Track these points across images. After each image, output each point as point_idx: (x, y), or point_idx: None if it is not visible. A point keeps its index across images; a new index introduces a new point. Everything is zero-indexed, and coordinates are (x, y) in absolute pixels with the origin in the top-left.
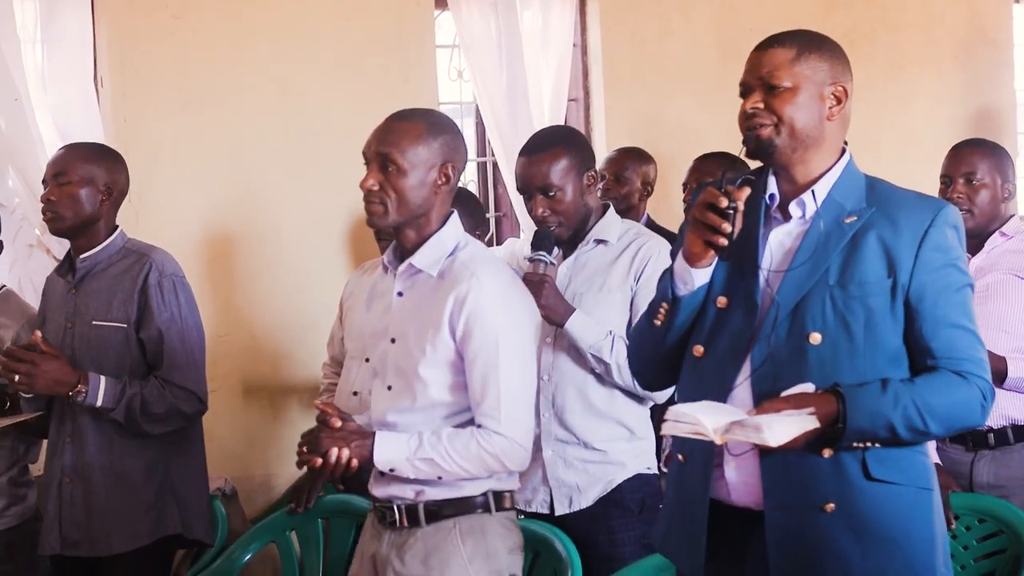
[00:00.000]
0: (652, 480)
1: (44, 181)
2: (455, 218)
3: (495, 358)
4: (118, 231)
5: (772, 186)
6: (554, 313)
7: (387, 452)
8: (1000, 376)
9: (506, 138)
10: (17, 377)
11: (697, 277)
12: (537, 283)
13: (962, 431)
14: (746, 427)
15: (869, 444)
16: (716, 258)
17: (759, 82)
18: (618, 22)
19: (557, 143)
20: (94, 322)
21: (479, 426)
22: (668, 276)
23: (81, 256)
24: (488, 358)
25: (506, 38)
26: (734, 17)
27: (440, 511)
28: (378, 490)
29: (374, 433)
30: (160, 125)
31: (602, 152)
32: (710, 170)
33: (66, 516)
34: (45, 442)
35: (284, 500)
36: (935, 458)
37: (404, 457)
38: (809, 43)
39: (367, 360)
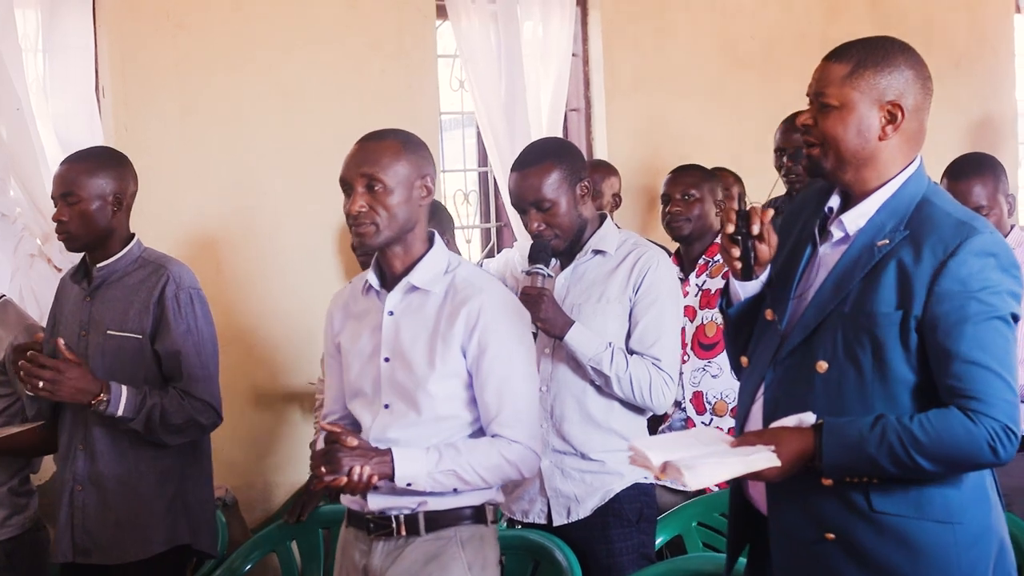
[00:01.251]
0: (649, 490)
1: (53, 198)
2: (438, 237)
3: (509, 371)
4: (135, 240)
5: (834, 199)
6: (553, 326)
7: (408, 468)
8: None
9: (505, 148)
10: (41, 384)
11: (743, 290)
12: (535, 297)
13: (970, 469)
14: (671, 468)
15: (866, 479)
16: (755, 275)
17: (814, 97)
18: (619, 32)
19: (547, 157)
20: (109, 331)
21: (495, 436)
22: (724, 290)
23: (98, 265)
24: (503, 371)
25: (506, 48)
26: (735, 26)
27: (439, 520)
28: (374, 503)
29: (389, 449)
30: (161, 133)
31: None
32: (685, 181)
33: (78, 524)
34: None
35: (284, 510)
36: None
37: (426, 472)
38: (869, 57)
39: None
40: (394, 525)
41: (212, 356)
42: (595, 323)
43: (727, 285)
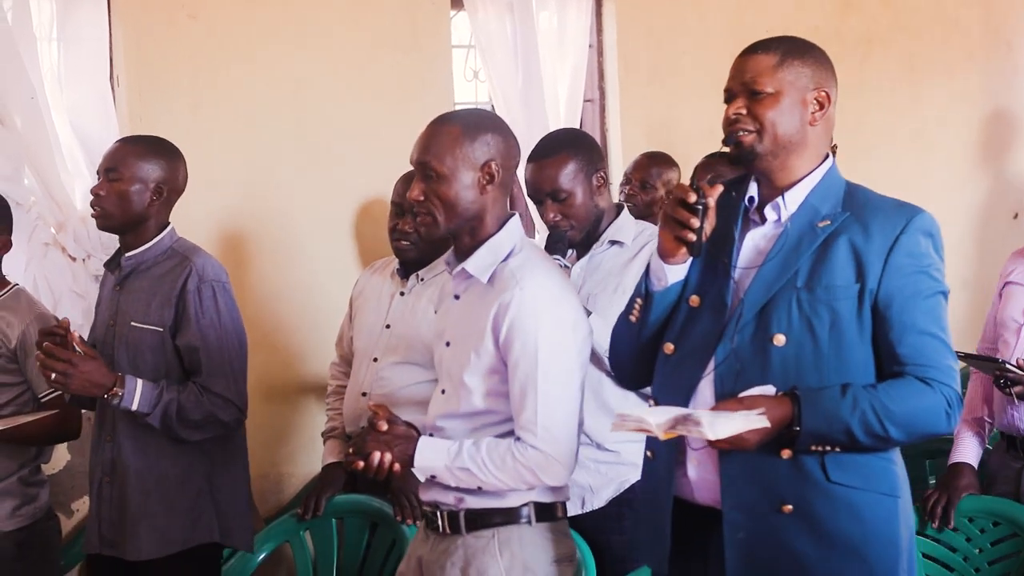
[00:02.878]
0: None
1: (98, 172)
2: (514, 222)
3: (534, 370)
4: (168, 229)
5: (752, 189)
6: None
7: (427, 458)
8: None
9: (521, 139)
10: (53, 375)
11: (671, 273)
12: None
13: (926, 438)
14: (688, 422)
15: (828, 448)
16: (689, 256)
17: (742, 88)
18: (634, 23)
19: (564, 147)
20: (132, 323)
21: (517, 438)
22: (645, 272)
23: (127, 255)
24: (527, 369)
25: (522, 39)
26: (750, 18)
27: (480, 520)
28: (424, 494)
29: (416, 438)
30: (175, 124)
31: (617, 153)
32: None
33: (104, 516)
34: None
35: (298, 499)
36: (969, 460)
37: (443, 465)
38: (792, 49)
39: (375, 360)
40: (439, 520)
41: (236, 351)
42: (611, 313)
43: (649, 269)
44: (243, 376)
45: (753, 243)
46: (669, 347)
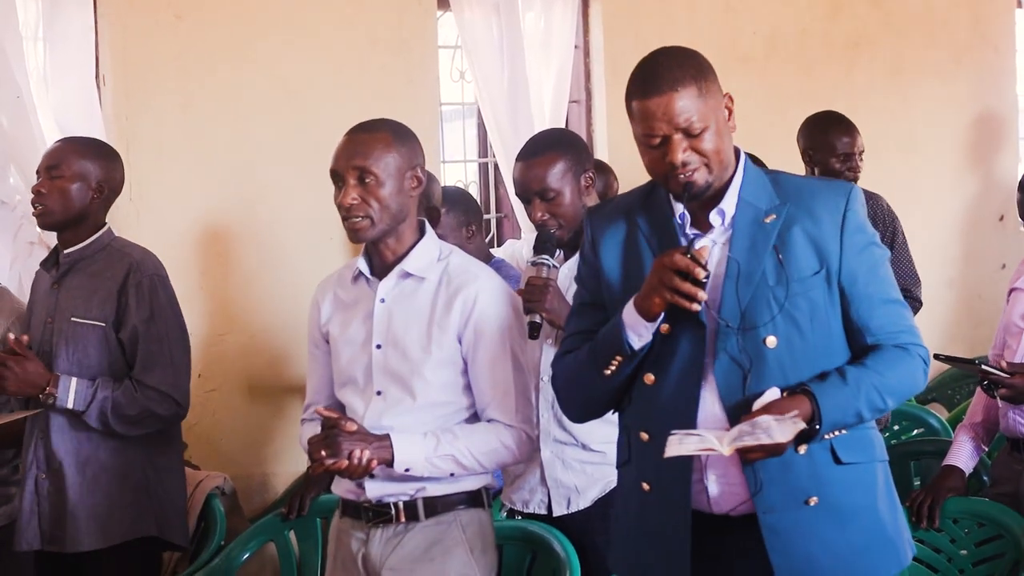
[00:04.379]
0: None
1: (38, 171)
2: (428, 226)
3: (505, 357)
4: (105, 228)
5: (678, 206)
6: (558, 317)
7: (407, 453)
8: None
9: (507, 139)
10: None
11: (649, 330)
12: (541, 287)
13: (907, 399)
14: (755, 431)
15: (836, 433)
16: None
17: (677, 130)
18: (621, 23)
19: (553, 147)
20: (73, 319)
21: (490, 421)
22: (618, 328)
23: (65, 251)
24: (498, 357)
25: (508, 39)
26: (737, 19)
27: (438, 506)
28: (372, 491)
29: (388, 435)
30: (161, 124)
31: (603, 154)
32: None
33: (44, 512)
34: None
35: (283, 499)
36: (959, 464)
37: (423, 457)
38: (699, 72)
39: None
40: (393, 512)
41: (177, 344)
42: None
43: (623, 326)
44: (185, 369)
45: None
46: (650, 378)
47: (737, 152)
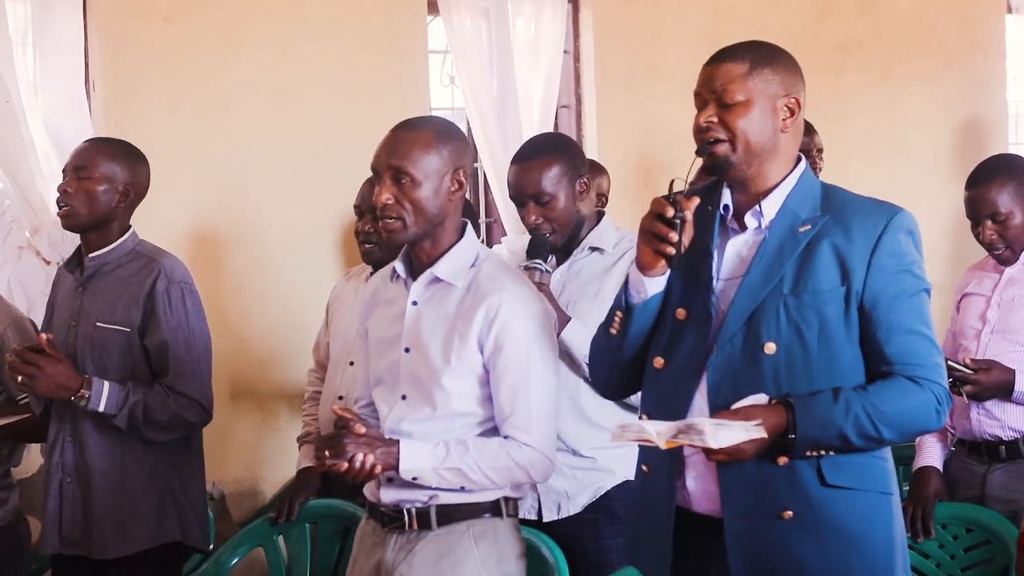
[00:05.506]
0: None
1: (65, 171)
2: (471, 229)
3: (526, 371)
4: (130, 232)
5: (726, 197)
6: None
7: (413, 461)
8: (1008, 389)
9: (495, 144)
10: (20, 379)
11: (650, 286)
12: None
13: (917, 435)
14: (691, 431)
15: (823, 452)
16: (668, 268)
17: (712, 96)
18: (611, 29)
19: (548, 151)
20: (98, 323)
21: (506, 437)
22: (623, 285)
23: (90, 255)
24: (519, 371)
25: (497, 44)
26: (728, 24)
27: (453, 514)
28: (387, 496)
29: (397, 440)
30: (151, 128)
31: (594, 159)
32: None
33: (67, 516)
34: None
35: (272, 504)
36: (935, 463)
37: (431, 467)
38: (762, 56)
39: (351, 364)
40: (406, 519)
41: (203, 352)
42: (591, 320)
43: (628, 281)
44: (209, 377)
45: (735, 251)
46: (659, 361)
47: (798, 160)
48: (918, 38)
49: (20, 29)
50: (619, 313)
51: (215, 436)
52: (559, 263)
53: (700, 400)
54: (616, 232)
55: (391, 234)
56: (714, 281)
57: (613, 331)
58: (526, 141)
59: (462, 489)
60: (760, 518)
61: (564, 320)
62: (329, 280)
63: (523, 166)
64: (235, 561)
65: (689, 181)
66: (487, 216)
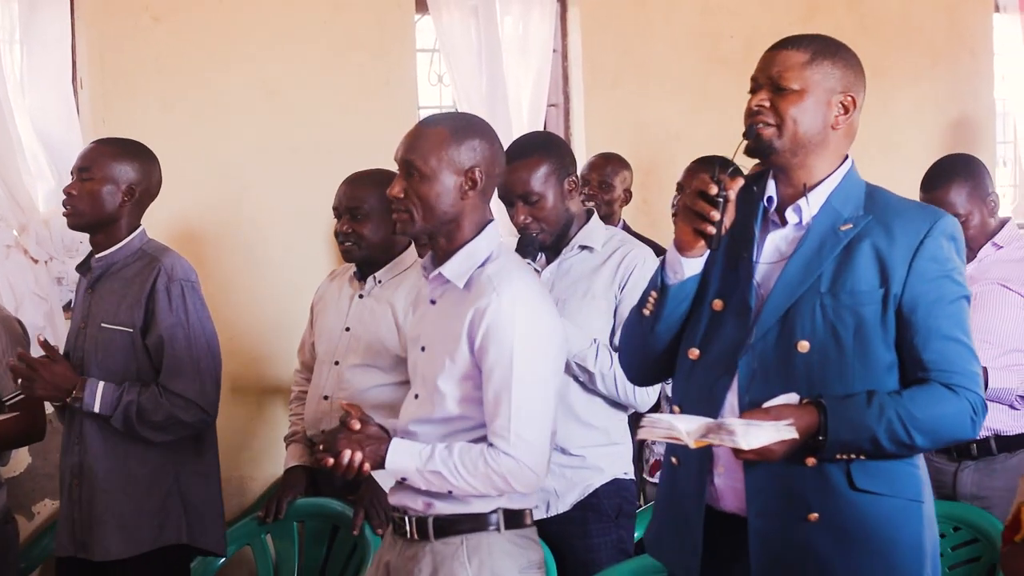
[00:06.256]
0: (629, 485)
1: (71, 172)
2: (492, 228)
3: (509, 376)
4: (138, 231)
5: (771, 188)
6: None
7: (399, 460)
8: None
9: None
10: (20, 380)
11: (687, 267)
12: None
13: (952, 444)
14: (721, 430)
15: (854, 456)
16: (707, 249)
17: (768, 81)
18: (599, 27)
19: (537, 150)
20: (103, 324)
21: (490, 445)
22: (660, 265)
23: (97, 256)
24: (502, 377)
25: (486, 43)
26: (715, 23)
27: (449, 526)
28: (393, 498)
29: (391, 439)
30: (139, 127)
31: (581, 158)
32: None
33: (75, 517)
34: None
35: (260, 502)
36: None
37: (415, 468)
38: (824, 49)
39: (336, 363)
40: (408, 526)
41: (205, 351)
42: (580, 319)
43: (664, 261)
44: (211, 376)
45: (774, 245)
46: (694, 352)
47: (845, 158)
48: (906, 37)
49: (7, 27)
50: (653, 293)
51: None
52: (548, 262)
53: (732, 395)
54: (606, 230)
55: (401, 225)
56: (754, 274)
57: (647, 312)
58: (513, 141)
59: (450, 494)
60: (785, 519)
61: None
62: (319, 276)
63: (511, 166)
64: (222, 560)
65: (734, 160)
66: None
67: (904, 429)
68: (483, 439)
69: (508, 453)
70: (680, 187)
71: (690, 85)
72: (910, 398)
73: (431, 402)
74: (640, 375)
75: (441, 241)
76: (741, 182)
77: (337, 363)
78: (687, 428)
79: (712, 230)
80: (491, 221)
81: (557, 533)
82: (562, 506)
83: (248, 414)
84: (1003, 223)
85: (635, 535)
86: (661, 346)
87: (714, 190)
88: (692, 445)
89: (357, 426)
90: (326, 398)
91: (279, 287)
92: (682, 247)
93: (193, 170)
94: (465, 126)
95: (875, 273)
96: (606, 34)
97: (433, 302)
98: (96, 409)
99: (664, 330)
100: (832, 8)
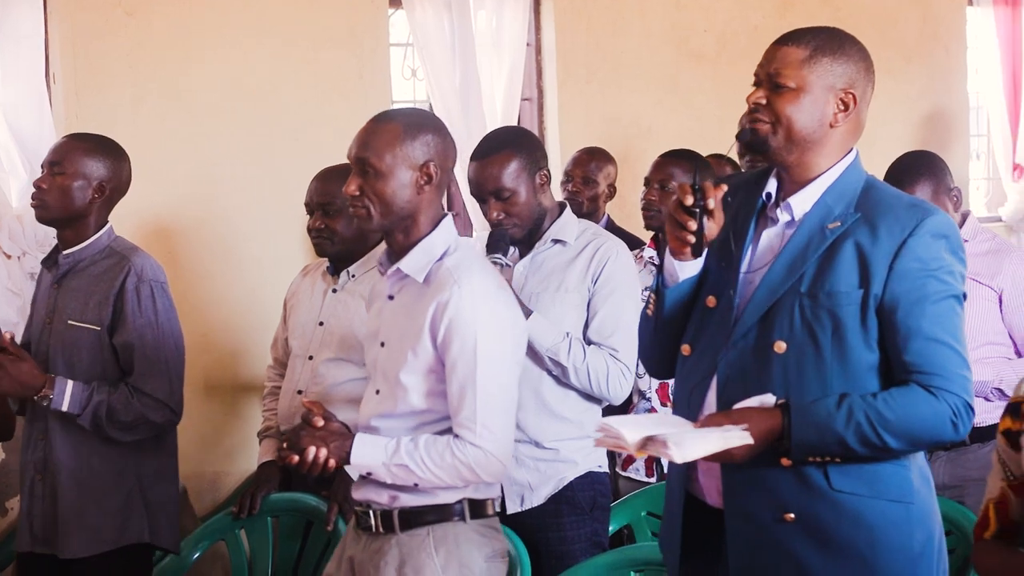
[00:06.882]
0: (603, 478)
1: (42, 165)
2: (448, 222)
3: (473, 368)
4: (106, 228)
5: (771, 185)
6: None
7: (364, 455)
8: None
9: (459, 137)
10: None
11: (681, 270)
12: None
13: (931, 445)
14: (656, 442)
15: (828, 459)
16: (692, 256)
17: (767, 77)
18: (572, 21)
19: (507, 145)
20: (69, 321)
21: (456, 436)
22: (658, 268)
23: (64, 252)
24: (466, 368)
25: (460, 37)
26: (689, 17)
27: (415, 518)
28: (357, 493)
29: (353, 435)
30: (112, 122)
31: (555, 152)
32: (676, 166)
33: (36, 513)
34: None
35: (234, 498)
36: None
37: (380, 462)
38: (826, 44)
39: (310, 358)
40: (372, 520)
41: (172, 353)
42: (553, 312)
43: (661, 266)
44: (179, 377)
45: (768, 242)
46: (686, 348)
47: (848, 152)
48: (880, 31)
49: None
50: (652, 295)
51: (178, 429)
52: (522, 256)
53: (711, 395)
54: (578, 224)
55: (359, 221)
56: (739, 272)
57: (648, 312)
58: (484, 136)
59: (416, 487)
60: (761, 518)
61: (526, 314)
62: (293, 274)
63: (482, 162)
64: (197, 555)
65: (730, 156)
66: (450, 209)
67: (874, 431)
68: (446, 431)
69: (475, 443)
70: (647, 181)
71: (663, 79)
72: (884, 400)
73: (393, 397)
74: (657, 369)
75: (398, 236)
76: (724, 188)
77: (311, 358)
78: (632, 439)
79: (691, 239)
80: (446, 215)
81: (531, 526)
82: (536, 499)
83: (222, 410)
84: (965, 217)
85: (609, 528)
86: (669, 342)
87: (689, 200)
88: (636, 455)
89: (320, 423)
90: (300, 393)
91: (252, 282)
92: (673, 252)
93: (166, 165)
94: (418, 121)
95: (855, 273)
96: (580, 28)
97: (391, 297)
98: (65, 408)
99: (665, 329)
100: (806, 2)
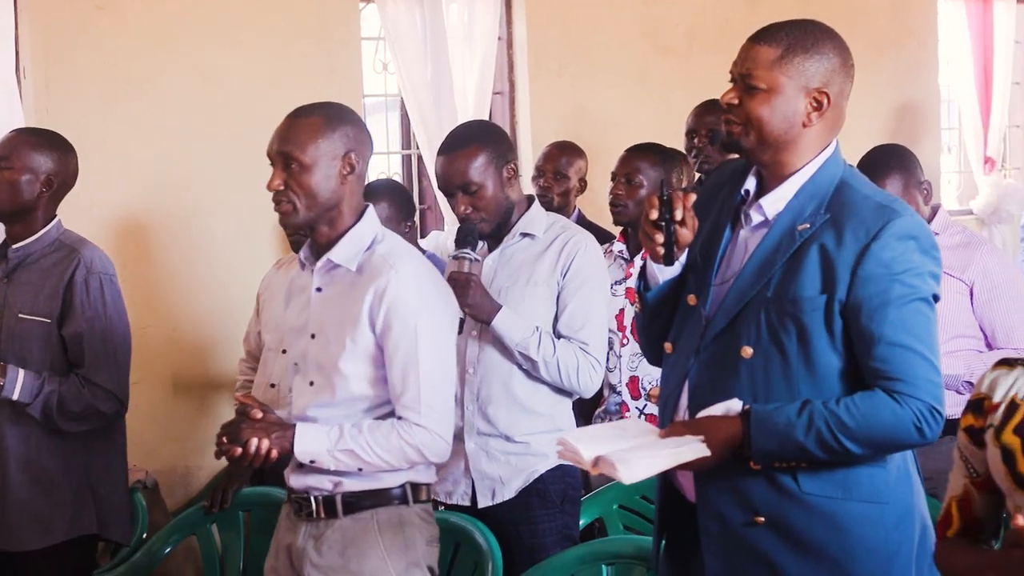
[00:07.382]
0: (574, 471)
1: None
2: (371, 211)
3: (415, 351)
4: (55, 222)
5: (750, 182)
6: (480, 312)
7: (308, 443)
8: None
9: (431, 131)
10: None
11: (660, 273)
12: (463, 282)
13: (896, 450)
14: (604, 462)
15: (794, 464)
16: (679, 256)
17: (740, 78)
18: (544, 15)
19: (473, 140)
20: (20, 315)
21: (399, 418)
22: (641, 270)
23: (14, 246)
24: (408, 351)
25: (431, 31)
26: (660, 11)
27: (358, 503)
28: (295, 481)
29: (294, 425)
30: (83, 116)
31: (526, 145)
32: (642, 160)
33: None
34: None
35: (205, 492)
36: None
37: (325, 449)
38: (800, 42)
39: (284, 352)
40: (313, 506)
41: (121, 344)
42: (523, 306)
43: (644, 268)
44: (126, 369)
45: (743, 242)
46: (668, 347)
47: (825, 148)
48: (851, 24)
49: None
50: (637, 295)
51: (148, 424)
52: (490, 250)
53: (684, 399)
54: (547, 217)
55: (283, 216)
56: (713, 274)
57: (636, 310)
58: (451, 131)
59: (360, 471)
60: (733, 520)
61: (495, 310)
62: (264, 268)
63: (449, 157)
64: (168, 550)
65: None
66: (421, 203)
67: (834, 438)
68: (385, 417)
69: (420, 424)
70: (614, 176)
71: (634, 73)
72: (846, 407)
73: (331, 386)
74: (656, 360)
75: (323, 229)
76: (693, 198)
77: (285, 351)
78: (588, 455)
79: (661, 251)
80: (367, 206)
81: (502, 520)
82: (507, 492)
83: (193, 404)
84: (935, 210)
85: (580, 522)
86: (659, 338)
87: (654, 215)
88: (592, 472)
89: (259, 415)
90: (273, 386)
91: (221, 277)
92: (655, 261)
93: (137, 159)
94: (336, 113)
95: (819, 278)
96: (551, 22)
97: (319, 290)
98: (15, 396)
99: (655, 324)
100: None
